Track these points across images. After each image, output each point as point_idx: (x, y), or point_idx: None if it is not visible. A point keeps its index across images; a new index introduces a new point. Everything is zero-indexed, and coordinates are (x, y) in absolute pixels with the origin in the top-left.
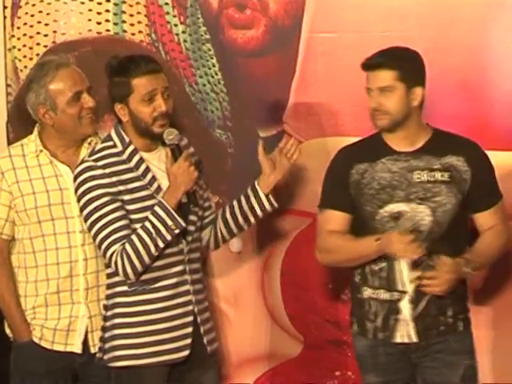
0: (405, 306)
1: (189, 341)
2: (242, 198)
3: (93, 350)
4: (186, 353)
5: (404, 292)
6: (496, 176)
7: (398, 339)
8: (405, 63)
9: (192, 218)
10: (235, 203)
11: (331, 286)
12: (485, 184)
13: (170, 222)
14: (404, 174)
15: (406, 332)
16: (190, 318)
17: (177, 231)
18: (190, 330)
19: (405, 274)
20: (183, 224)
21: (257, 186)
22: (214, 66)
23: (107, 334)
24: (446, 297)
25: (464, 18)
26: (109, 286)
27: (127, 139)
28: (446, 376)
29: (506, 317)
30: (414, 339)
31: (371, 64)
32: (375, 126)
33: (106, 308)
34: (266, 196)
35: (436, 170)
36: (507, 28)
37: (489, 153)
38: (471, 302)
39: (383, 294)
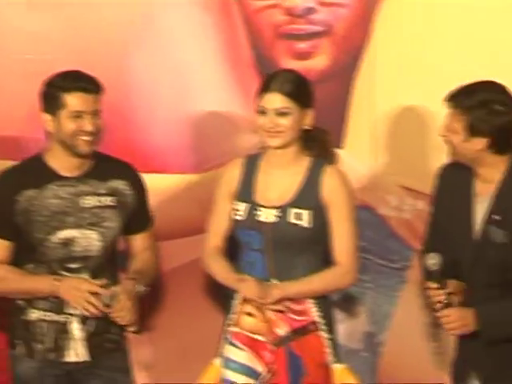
0: (75, 327)
1: None
2: None
3: None
4: None
5: (73, 314)
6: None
7: (69, 358)
8: None
9: None
10: None
11: None
12: (144, 207)
13: None
14: (73, 200)
15: (76, 351)
16: None
17: None
18: None
19: None
20: None
21: None
22: None
23: None
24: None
25: (108, 40)
26: None
27: None
28: None
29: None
30: (85, 358)
31: None
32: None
33: None
34: None
35: (103, 195)
36: (149, 50)
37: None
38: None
39: (53, 317)
